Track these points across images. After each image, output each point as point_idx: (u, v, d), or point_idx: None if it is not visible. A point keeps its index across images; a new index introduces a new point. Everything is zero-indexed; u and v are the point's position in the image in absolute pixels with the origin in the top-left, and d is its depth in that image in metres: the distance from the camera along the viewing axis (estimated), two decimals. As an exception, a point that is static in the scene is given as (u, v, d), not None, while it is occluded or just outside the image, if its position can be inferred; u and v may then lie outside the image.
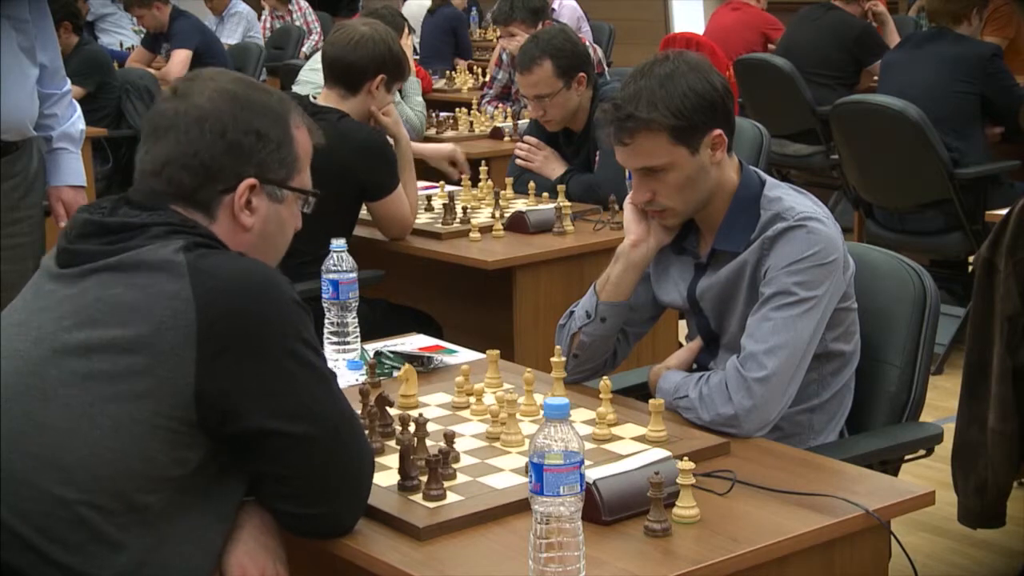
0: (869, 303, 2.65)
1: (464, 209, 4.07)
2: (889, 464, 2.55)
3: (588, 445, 2.23)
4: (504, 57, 6.26)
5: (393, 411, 2.36)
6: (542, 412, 2.20)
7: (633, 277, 2.60)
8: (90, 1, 9.95)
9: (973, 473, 3.14)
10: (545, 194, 4.22)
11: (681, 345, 2.83)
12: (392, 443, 2.25)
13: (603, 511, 1.97)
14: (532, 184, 4.25)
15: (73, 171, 3.62)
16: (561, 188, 4.15)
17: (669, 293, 2.67)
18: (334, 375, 1.92)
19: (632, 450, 2.21)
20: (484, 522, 2.00)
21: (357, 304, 2.83)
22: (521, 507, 1.95)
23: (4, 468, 1.77)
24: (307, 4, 10.31)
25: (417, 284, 4.23)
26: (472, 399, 2.47)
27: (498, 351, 2.61)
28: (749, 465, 2.20)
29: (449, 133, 5.81)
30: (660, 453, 2.11)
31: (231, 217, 1.94)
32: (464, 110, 6.02)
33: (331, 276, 2.80)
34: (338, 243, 2.82)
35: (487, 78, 6.85)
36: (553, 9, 7.56)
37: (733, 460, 2.23)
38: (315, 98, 3.91)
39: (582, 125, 4.38)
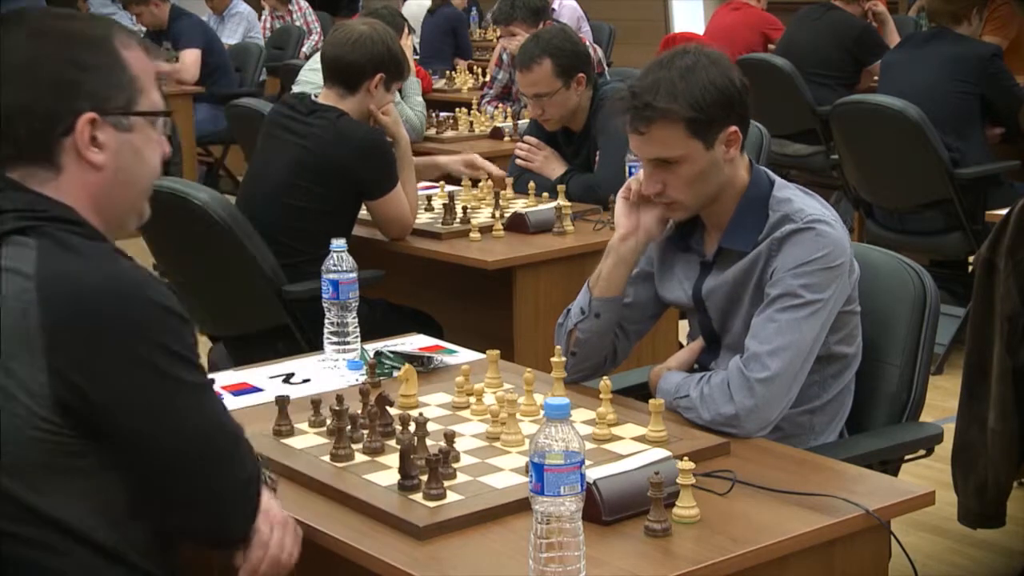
0: (869, 303, 2.65)
1: (464, 209, 4.07)
2: (889, 464, 2.55)
3: (588, 445, 2.23)
4: (504, 57, 6.26)
5: (393, 411, 2.36)
6: (542, 412, 2.21)
7: (624, 271, 2.60)
8: (90, 1, 9.95)
9: (973, 473, 3.14)
10: (545, 194, 4.22)
11: (682, 345, 2.83)
12: (392, 443, 2.25)
13: (603, 511, 1.97)
14: (532, 184, 4.25)
15: None
16: (561, 188, 4.15)
17: (673, 291, 2.66)
18: (203, 387, 1.80)
19: (632, 450, 2.21)
20: (484, 522, 2.00)
21: (357, 304, 2.83)
22: (521, 507, 1.95)
23: None
24: (307, 4, 10.30)
25: (417, 284, 4.23)
26: (472, 399, 2.47)
27: (498, 351, 2.61)
28: (749, 465, 2.20)
29: (449, 133, 5.81)
30: (660, 453, 2.11)
31: (77, 160, 1.80)
32: (464, 110, 6.01)
33: (331, 276, 2.80)
34: (338, 243, 2.82)
35: (487, 78, 6.85)
36: (553, 9, 7.56)
37: (733, 460, 2.23)
38: (316, 98, 3.92)
39: (581, 125, 4.38)
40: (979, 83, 5.22)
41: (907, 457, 2.62)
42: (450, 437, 2.16)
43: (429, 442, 2.14)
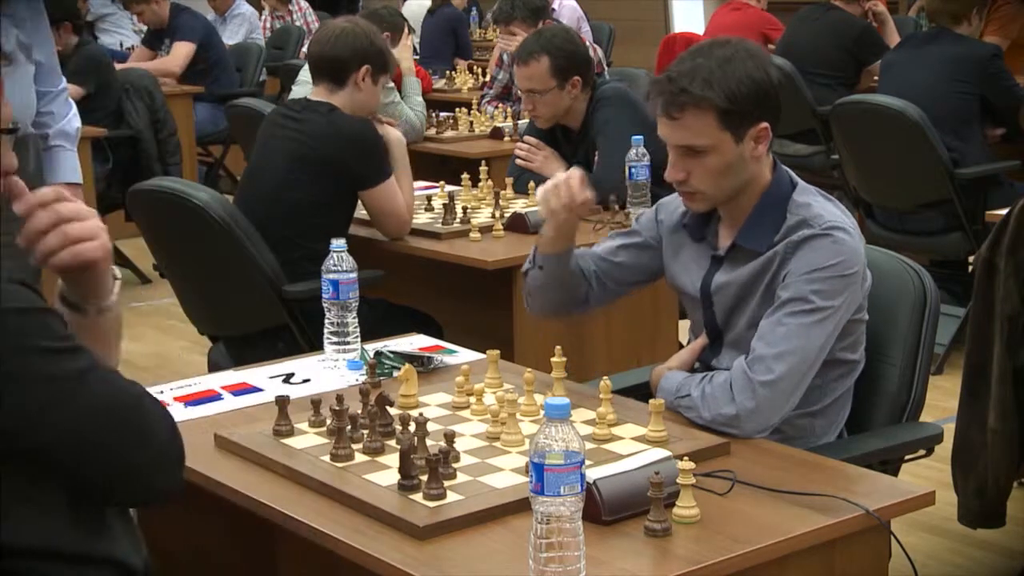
0: (869, 303, 2.65)
1: (464, 209, 4.07)
2: (889, 464, 2.55)
3: (588, 445, 2.23)
4: (504, 57, 6.26)
5: (393, 411, 2.36)
6: (542, 412, 2.21)
7: (562, 243, 2.66)
8: (90, 1, 9.95)
9: (973, 473, 3.14)
10: (545, 194, 4.21)
11: (682, 345, 2.83)
12: (392, 443, 2.25)
13: (603, 511, 1.97)
14: (532, 184, 4.24)
15: (70, 168, 3.63)
16: (561, 188, 4.14)
17: (680, 277, 2.66)
18: (84, 371, 1.69)
19: (632, 450, 2.21)
20: (484, 521, 2.00)
21: (357, 304, 2.83)
22: (521, 507, 1.95)
23: None
24: (307, 4, 10.31)
25: (417, 284, 4.23)
26: (472, 399, 2.46)
27: (498, 351, 2.61)
28: (749, 465, 2.20)
29: (449, 133, 5.81)
30: (660, 453, 2.11)
31: None
32: (464, 110, 6.01)
33: (331, 276, 2.80)
34: (338, 243, 2.82)
35: (487, 78, 6.85)
36: (553, 9, 7.56)
37: (733, 460, 2.23)
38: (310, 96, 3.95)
39: (579, 124, 4.38)
40: (979, 83, 5.23)
41: (907, 457, 2.62)
42: (450, 437, 2.16)
43: (429, 442, 2.14)
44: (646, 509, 1.96)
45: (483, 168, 4.51)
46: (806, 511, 2.03)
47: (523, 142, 4.51)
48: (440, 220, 4.07)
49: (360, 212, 3.95)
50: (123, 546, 1.81)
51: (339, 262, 2.80)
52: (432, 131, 5.76)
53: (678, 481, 1.99)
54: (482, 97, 6.42)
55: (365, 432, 2.28)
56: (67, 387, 1.67)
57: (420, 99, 5.58)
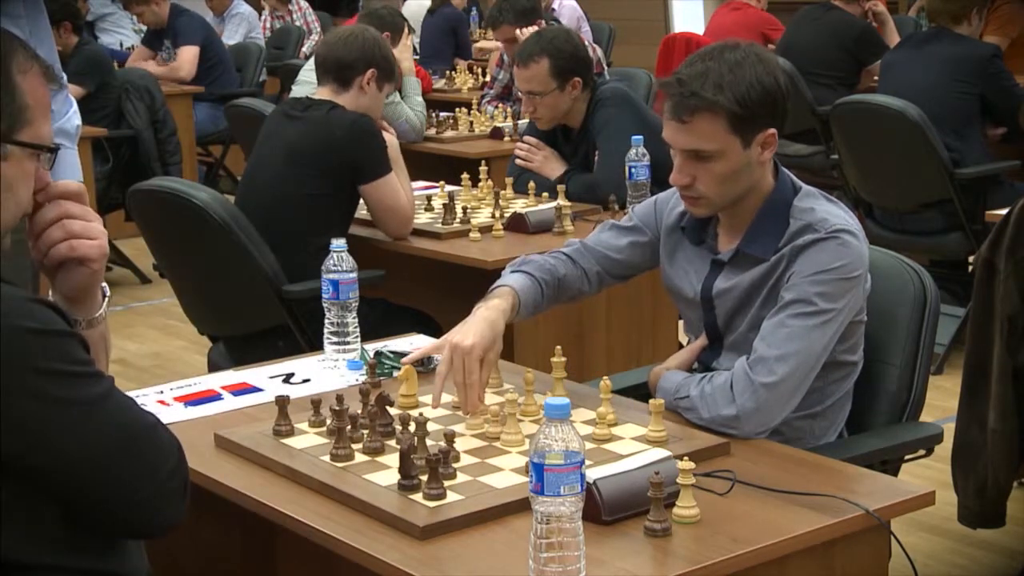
0: (869, 303, 2.65)
1: (464, 209, 4.07)
2: (889, 464, 2.55)
3: (588, 445, 2.23)
4: (504, 57, 6.27)
5: (393, 411, 2.36)
6: (542, 412, 2.21)
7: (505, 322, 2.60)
8: (90, 1, 9.95)
9: (973, 473, 3.14)
10: (545, 194, 4.22)
11: (682, 345, 2.83)
12: (392, 443, 2.25)
13: (603, 511, 1.97)
14: (532, 184, 4.25)
15: (69, 166, 3.63)
16: (561, 188, 4.15)
17: (678, 279, 2.65)
18: (98, 397, 1.71)
19: (632, 450, 2.21)
20: (484, 521, 2.00)
21: (357, 304, 2.83)
22: (521, 507, 1.95)
23: None
24: (307, 4, 10.31)
25: (417, 284, 4.23)
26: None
27: (498, 351, 2.61)
28: (749, 465, 2.20)
29: (449, 133, 5.81)
30: (660, 453, 2.11)
31: None
32: (464, 110, 6.01)
33: (331, 276, 2.80)
34: (338, 243, 2.82)
35: (487, 78, 6.85)
36: (553, 8, 7.56)
37: (733, 460, 2.23)
38: (312, 95, 3.96)
39: (579, 124, 4.38)
40: (979, 83, 5.23)
41: (907, 457, 2.62)
42: (450, 437, 2.16)
43: (429, 442, 2.14)
44: (646, 509, 1.96)
45: (483, 168, 4.51)
46: (806, 511, 2.03)
47: (523, 142, 4.52)
48: (440, 220, 4.07)
49: (360, 212, 3.96)
50: (132, 560, 1.81)
51: (339, 262, 2.81)
52: (432, 131, 5.76)
53: (678, 481, 1.99)
54: (482, 97, 6.43)
55: (365, 432, 2.28)
56: (80, 412, 1.68)
57: (420, 99, 5.58)
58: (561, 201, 4.05)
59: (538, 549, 1.75)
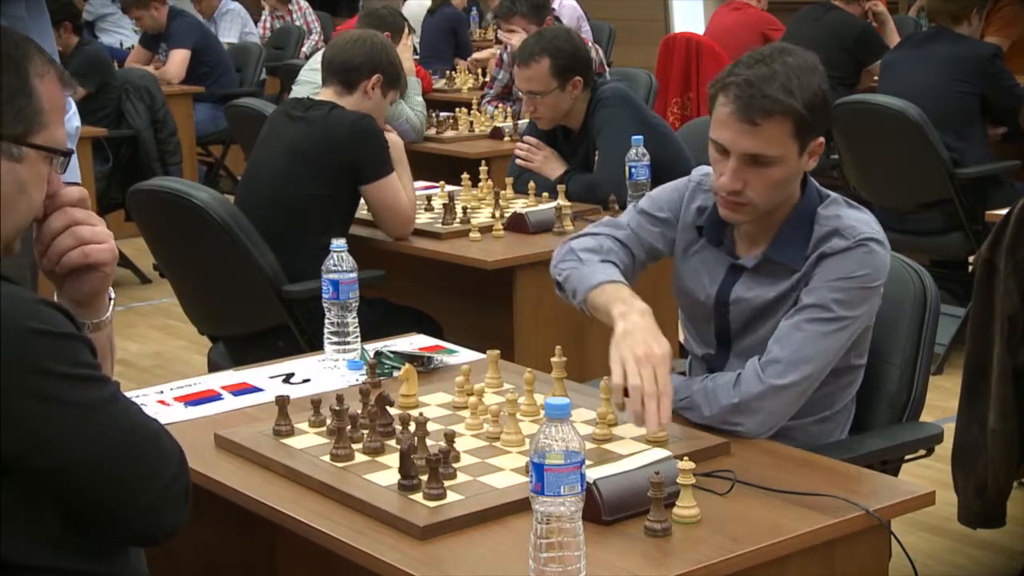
0: (869, 303, 2.66)
1: (464, 209, 4.07)
2: (889, 464, 2.55)
3: (588, 445, 2.23)
4: (504, 57, 6.27)
5: (393, 411, 2.36)
6: (542, 412, 2.21)
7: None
8: (91, 1, 9.95)
9: (973, 473, 3.14)
10: (545, 194, 4.22)
11: (682, 346, 2.83)
12: (392, 443, 2.25)
13: (603, 511, 1.97)
14: (532, 184, 4.25)
15: (70, 168, 3.63)
16: (561, 188, 4.15)
17: (689, 279, 2.60)
18: (103, 401, 1.70)
19: (632, 450, 2.21)
20: (484, 521, 2.00)
21: (357, 304, 2.83)
22: (521, 507, 1.95)
23: None
24: (307, 4, 10.31)
25: (417, 284, 4.24)
26: (472, 399, 2.46)
27: (498, 351, 2.61)
28: (749, 465, 2.20)
29: (449, 133, 5.81)
30: (660, 453, 2.11)
31: None
32: (464, 110, 6.02)
33: (331, 276, 2.80)
34: (338, 243, 2.82)
35: (487, 78, 6.85)
36: (553, 8, 7.56)
37: (733, 460, 2.23)
38: (315, 95, 3.96)
39: (579, 124, 4.38)
40: (979, 83, 5.23)
41: (907, 457, 2.62)
42: (450, 437, 2.16)
43: (429, 442, 2.14)
44: (646, 509, 1.96)
45: (483, 168, 4.52)
46: (806, 511, 2.03)
47: (523, 142, 4.52)
48: (440, 220, 4.07)
49: (361, 212, 3.96)
50: (131, 563, 1.81)
51: (339, 262, 2.81)
52: (432, 131, 5.76)
53: (678, 481, 1.99)
54: (482, 97, 6.43)
55: (365, 432, 2.28)
56: (83, 415, 1.68)
57: (420, 99, 5.59)
58: (561, 201, 4.05)
59: (538, 549, 1.75)
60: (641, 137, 4.02)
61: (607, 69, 6.19)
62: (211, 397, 2.64)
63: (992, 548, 3.60)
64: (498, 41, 6.65)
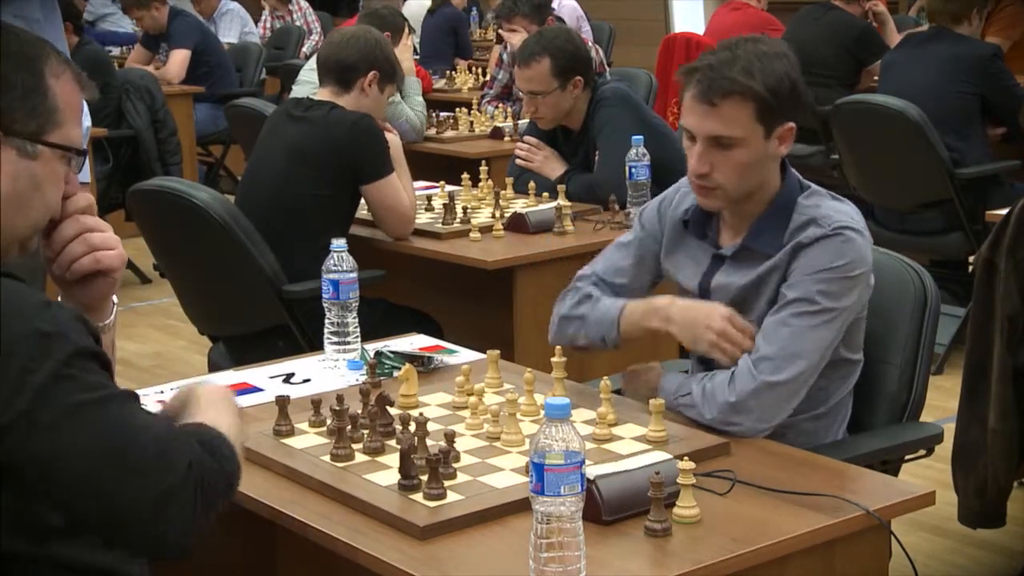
0: (870, 303, 2.65)
1: (464, 209, 4.07)
2: (889, 464, 2.55)
3: (588, 445, 2.23)
4: (504, 57, 6.27)
5: (393, 411, 2.36)
6: (542, 412, 2.21)
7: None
8: (91, 1, 9.95)
9: (973, 473, 3.14)
10: (545, 194, 4.22)
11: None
12: (392, 443, 2.25)
13: (603, 511, 1.97)
14: (532, 184, 4.25)
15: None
16: (561, 188, 4.15)
17: (678, 273, 2.64)
18: (109, 398, 1.68)
19: (632, 450, 2.22)
20: (484, 521, 2.00)
21: (357, 304, 2.83)
22: (522, 507, 1.95)
23: None
24: (307, 4, 10.31)
25: (417, 284, 4.24)
26: (472, 399, 2.46)
27: (498, 351, 2.61)
28: (749, 465, 2.20)
29: (449, 133, 5.81)
30: (660, 454, 2.11)
31: None
32: (464, 110, 6.02)
33: (331, 276, 2.80)
34: (338, 243, 2.83)
35: (487, 78, 6.85)
36: (553, 8, 7.56)
37: (733, 460, 2.23)
38: (313, 95, 3.96)
39: (579, 124, 4.38)
40: (979, 83, 5.23)
41: (907, 457, 2.62)
42: (450, 437, 2.16)
43: (429, 442, 2.14)
44: (646, 509, 1.96)
45: (483, 168, 4.52)
46: (806, 511, 2.03)
47: (523, 142, 4.52)
48: (440, 220, 4.07)
49: (361, 212, 3.96)
50: (116, 555, 1.80)
51: (339, 262, 2.81)
52: (432, 131, 5.76)
53: (678, 481, 1.99)
54: (482, 97, 6.43)
55: (365, 432, 2.28)
56: (75, 417, 1.64)
57: (420, 99, 5.59)
58: (561, 201, 4.05)
59: (538, 549, 1.75)
60: (641, 137, 4.02)
61: (607, 69, 6.19)
62: (211, 397, 2.63)
63: (992, 548, 3.60)
64: (499, 40, 6.65)
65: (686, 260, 2.62)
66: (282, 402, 2.37)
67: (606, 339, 2.57)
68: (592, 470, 1.99)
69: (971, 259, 5.21)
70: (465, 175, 4.46)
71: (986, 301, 3.14)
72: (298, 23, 10.06)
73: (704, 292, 2.57)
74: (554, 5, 7.33)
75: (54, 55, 1.80)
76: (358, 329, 2.83)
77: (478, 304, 4.07)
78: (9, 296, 1.65)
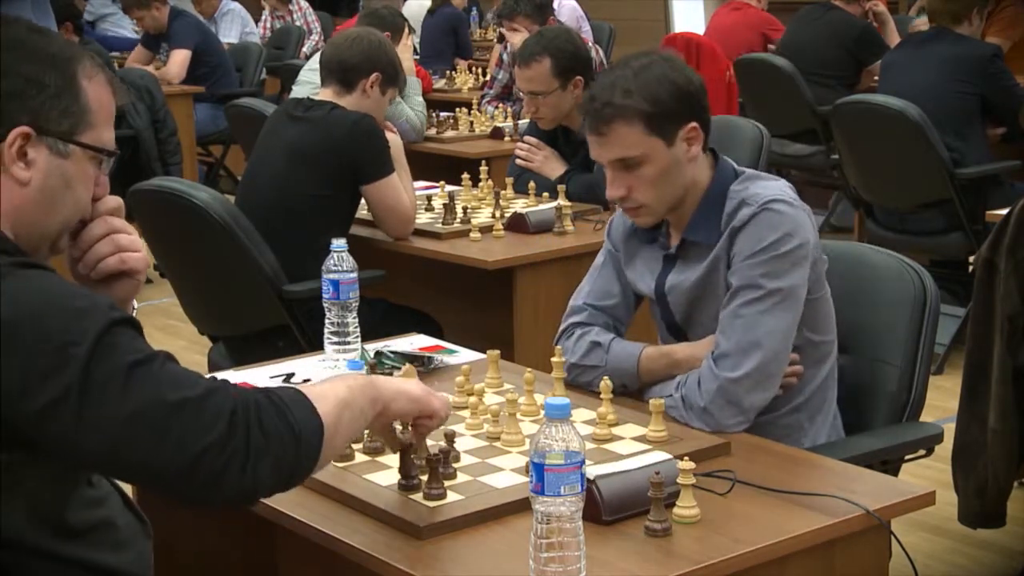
0: (869, 303, 2.65)
1: (464, 209, 4.07)
2: (889, 464, 2.55)
3: (589, 445, 2.23)
4: (504, 57, 6.27)
5: (393, 411, 2.36)
6: (542, 412, 2.21)
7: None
8: (90, 1, 9.95)
9: (973, 473, 3.14)
10: (545, 194, 4.22)
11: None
12: (392, 443, 2.25)
13: (603, 511, 1.97)
14: (532, 184, 4.25)
15: None
16: (561, 188, 4.15)
17: (638, 282, 2.64)
18: (152, 358, 1.70)
19: (632, 450, 2.22)
20: (484, 521, 2.00)
21: (357, 304, 2.83)
22: (522, 507, 1.95)
23: None
24: (307, 4, 10.30)
25: (417, 284, 4.24)
26: (472, 399, 2.46)
27: (498, 351, 2.61)
28: (749, 465, 2.20)
29: (449, 133, 5.81)
30: (660, 454, 2.11)
31: (3, 170, 1.76)
32: (464, 110, 6.02)
33: (331, 276, 2.80)
34: (338, 243, 2.82)
35: (487, 78, 6.85)
36: (553, 9, 7.56)
37: (733, 460, 2.23)
38: (315, 95, 3.96)
39: (580, 124, 4.38)
40: (979, 83, 5.23)
41: (907, 457, 2.62)
42: (450, 437, 2.16)
43: (429, 442, 2.14)
44: (646, 509, 1.96)
45: (483, 168, 4.52)
46: (806, 511, 2.03)
47: (523, 142, 4.52)
48: (440, 220, 4.07)
49: (361, 212, 3.96)
50: (129, 555, 1.81)
51: (339, 262, 2.80)
52: (432, 131, 5.76)
53: (678, 481, 1.99)
54: (482, 97, 6.43)
55: (365, 432, 2.27)
56: (127, 377, 1.66)
57: (420, 99, 5.58)
58: (561, 201, 4.05)
59: (538, 549, 1.75)
60: (641, 137, 4.01)
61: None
62: (211, 397, 2.63)
63: (992, 548, 3.60)
64: (500, 39, 6.65)
65: (642, 267, 2.63)
66: (282, 402, 2.36)
67: (628, 387, 2.55)
68: (592, 470, 1.99)
69: (971, 259, 5.21)
70: (465, 175, 4.46)
71: (986, 301, 3.14)
72: (298, 23, 10.05)
73: (660, 295, 2.58)
74: (554, 5, 7.34)
75: (88, 58, 1.84)
76: (358, 329, 2.83)
77: (478, 304, 4.07)
78: (42, 280, 1.69)
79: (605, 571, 1.84)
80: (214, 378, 1.78)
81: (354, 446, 2.25)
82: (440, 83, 7.73)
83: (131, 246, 1.92)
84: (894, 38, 6.73)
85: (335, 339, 2.81)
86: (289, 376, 2.77)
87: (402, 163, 3.95)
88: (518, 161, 4.48)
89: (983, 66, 5.24)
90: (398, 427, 2.29)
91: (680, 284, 2.53)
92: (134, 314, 1.95)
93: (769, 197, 2.43)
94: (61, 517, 1.74)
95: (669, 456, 2.10)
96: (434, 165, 5.22)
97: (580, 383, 2.59)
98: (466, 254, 3.79)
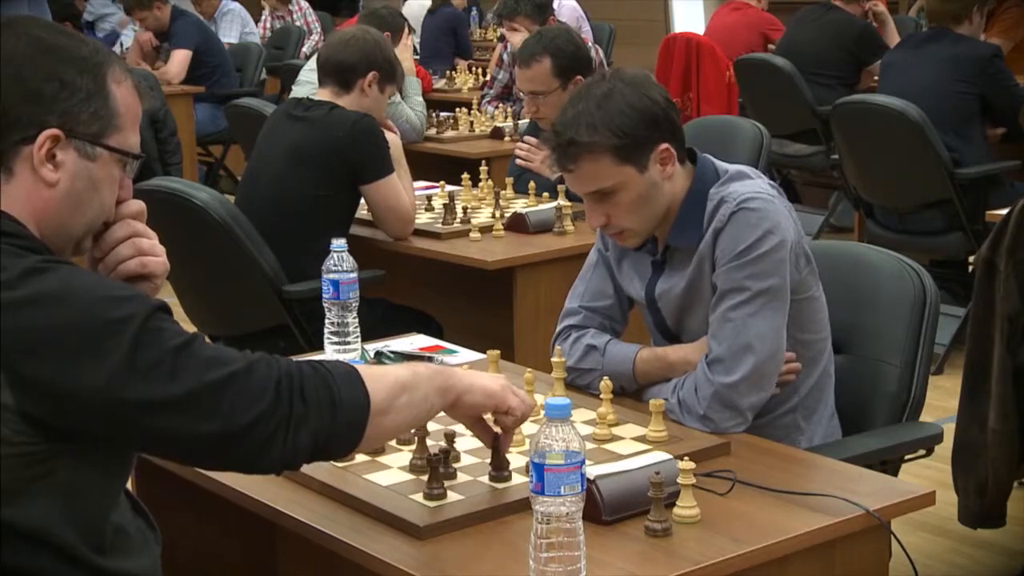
0: (869, 303, 2.65)
1: (464, 209, 4.07)
2: (889, 464, 2.55)
3: (589, 445, 2.23)
4: (504, 57, 6.27)
5: (393, 411, 2.36)
6: (543, 412, 2.21)
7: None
8: (90, 1, 9.95)
9: (973, 473, 3.14)
10: (545, 194, 4.22)
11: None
12: (392, 443, 2.25)
13: (603, 511, 1.97)
14: (532, 184, 4.25)
15: None
16: (561, 188, 4.15)
17: (627, 287, 2.64)
18: (193, 339, 1.74)
19: (632, 450, 2.22)
20: (485, 521, 2.00)
21: (357, 304, 2.83)
22: (522, 507, 1.95)
23: None
24: (307, 4, 10.30)
25: (417, 284, 4.24)
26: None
27: (498, 351, 2.61)
28: (749, 465, 2.20)
29: (449, 133, 5.81)
30: (660, 456, 2.11)
31: (31, 171, 1.77)
32: (464, 110, 6.02)
33: (331, 276, 2.80)
34: (338, 243, 2.82)
35: (487, 78, 6.85)
36: (553, 9, 7.56)
37: (733, 460, 2.23)
38: (313, 95, 3.96)
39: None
40: (979, 83, 5.22)
41: (907, 457, 2.62)
42: (450, 437, 2.16)
43: (429, 442, 2.14)
44: (646, 509, 1.96)
45: (483, 168, 4.52)
46: (806, 511, 2.03)
47: (523, 142, 4.52)
48: (440, 220, 4.07)
49: (361, 212, 3.96)
50: (142, 561, 1.81)
51: (339, 262, 2.80)
52: (432, 131, 5.76)
53: (678, 481, 1.99)
54: (482, 97, 6.43)
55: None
56: (151, 368, 1.69)
57: (420, 99, 5.58)
58: (561, 201, 4.04)
59: (538, 549, 1.75)
60: (641, 137, 4.01)
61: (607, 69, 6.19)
62: (211, 397, 2.63)
63: (992, 548, 3.60)
64: (500, 39, 6.65)
65: (631, 272, 2.63)
66: (282, 402, 2.36)
67: (625, 388, 2.55)
68: (592, 470, 1.99)
69: (971, 259, 5.21)
70: (465, 175, 4.46)
71: (986, 301, 3.14)
72: (298, 23, 10.05)
73: (651, 301, 2.57)
74: (554, 5, 7.35)
75: (117, 62, 1.86)
76: (358, 329, 2.83)
77: (478, 304, 4.08)
78: (74, 275, 1.71)
79: (605, 571, 1.84)
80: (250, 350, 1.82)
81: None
82: (440, 83, 7.73)
83: (152, 251, 1.96)
84: (894, 38, 6.73)
85: (335, 339, 2.81)
86: (289, 376, 2.76)
87: (402, 163, 3.95)
88: (518, 161, 4.48)
89: (983, 66, 5.24)
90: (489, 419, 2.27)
91: (669, 291, 2.53)
92: None
93: (746, 195, 2.42)
94: (97, 524, 1.73)
95: (669, 456, 2.10)
96: (434, 165, 5.23)
97: (578, 385, 2.59)
98: (466, 254, 3.79)
